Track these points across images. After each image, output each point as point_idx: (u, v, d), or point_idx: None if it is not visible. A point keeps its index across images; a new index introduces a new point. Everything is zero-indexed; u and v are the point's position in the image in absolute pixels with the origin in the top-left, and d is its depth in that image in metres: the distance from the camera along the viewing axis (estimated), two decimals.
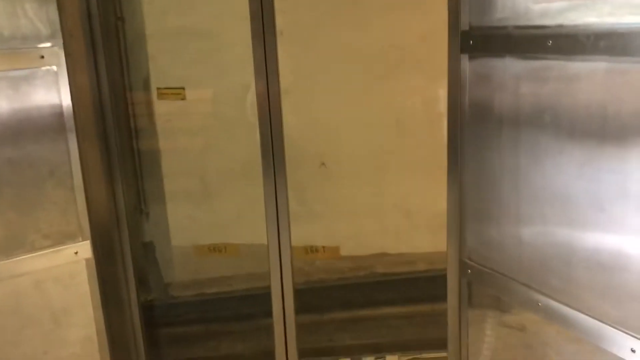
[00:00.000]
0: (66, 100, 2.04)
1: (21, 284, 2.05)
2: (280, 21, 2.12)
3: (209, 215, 3.05)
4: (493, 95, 1.77)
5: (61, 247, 2.10)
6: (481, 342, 2.09)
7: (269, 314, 2.41)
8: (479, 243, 1.94)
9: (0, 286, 2.00)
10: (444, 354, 2.33)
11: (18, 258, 2.02)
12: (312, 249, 3.11)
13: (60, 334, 2.17)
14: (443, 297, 2.18)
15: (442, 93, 2.77)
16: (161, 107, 2.91)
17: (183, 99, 2.88)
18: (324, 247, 3.11)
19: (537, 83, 1.63)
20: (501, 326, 2.00)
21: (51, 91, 2.01)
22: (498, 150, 1.80)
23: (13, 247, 2.02)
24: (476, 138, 1.88)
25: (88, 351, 2.24)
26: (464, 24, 1.80)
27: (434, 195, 2.85)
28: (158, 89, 2.87)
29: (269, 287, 2.39)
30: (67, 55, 2.03)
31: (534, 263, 1.75)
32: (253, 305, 2.93)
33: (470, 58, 1.82)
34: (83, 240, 2.15)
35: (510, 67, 1.68)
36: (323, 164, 2.98)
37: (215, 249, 3.09)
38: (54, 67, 2.00)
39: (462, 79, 1.85)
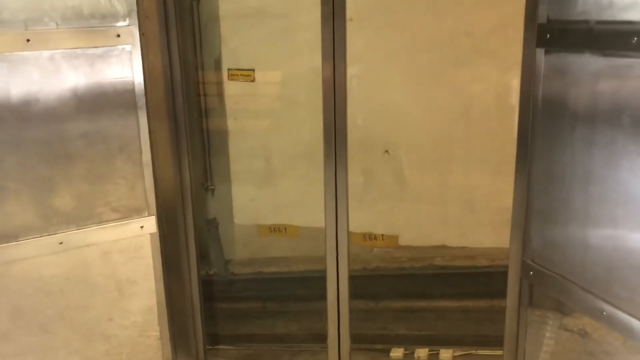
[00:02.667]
0: (138, 79, 2.10)
1: (89, 253, 2.14)
2: (351, 7, 2.09)
3: (272, 196, 3.08)
4: (568, 91, 1.69)
5: (128, 221, 2.18)
6: (539, 344, 2.03)
7: (324, 297, 2.43)
8: (543, 244, 1.88)
9: (70, 255, 2.10)
10: (499, 352, 2.28)
11: (87, 229, 2.12)
12: (370, 236, 3.09)
13: (123, 303, 2.26)
14: (502, 294, 2.13)
15: (514, 84, 2.68)
16: (231, 88, 2.94)
17: (252, 80, 2.90)
18: (382, 235, 3.08)
19: (617, 82, 1.54)
20: (561, 329, 1.94)
21: (125, 69, 2.07)
22: (570, 149, 1.72)
23: (83, 218, 2.11)
24: (547, 134, 1.81)
25: (148, 321, 2.33)
26: (542, 17, 1.73)
27: (500, 189, 2.77)
28: (229, 69, 2.91)
29: (325, 271, 2.40)
30: (142, 35, 2.09)
31: (600, 269, 1.68)
32: (309, 287, 2.95)
33: (546, 52, 1.74)
34: (149, 215, 2.22)
35: (588, 63, 1.60)
36: (387, 151, 2.95)
37: (276, 229, 3.12)
38: (129, 46, 2.06)
39: (536, 73, 1.78)
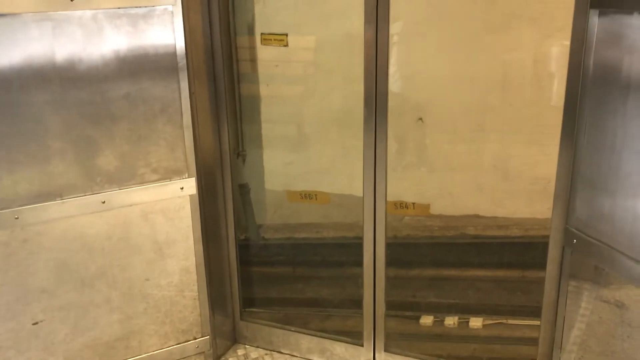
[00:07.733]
0: (180, 40, 2.09)
1: (131, 213, 2.17)
2: None
3: (303, 163, 3.08)
4: (622, 56, 1.64)
5: (168, 182, 2.20)
6: (575, 314, 2.01)
7: (355, 263, 2.44)
8: (589, 212, 1.85)
9: (112, 214, 2.14)
10: (530, 322, 2.28)
11: (129, 189, 2.14)
12: (401, 205, 3.08)
13: (161, 264, 2.30)
14: (535, 265, 2.12)
15: (556, 51, 2.61)
16: (264, 53, 2.92)
17: (286, 45, 2.87)
18: (414, 203, 3.07)
19: None
20: (598, 300, 1.92)
21: (166, 30, 2.06)
22: (622, 117, 1.68)
23: (125, 178, 2.13)
24: (597, 101, 1.76)
25: (185, 281, 2.36)
26: None
27: (535, 159, 2.73)
28: (262, 34, 2.88)
29: (356, 238, 2.40)
30: None
31: None
32: (340, 253, 2.96)
33: (601, 14, 1.68)
34: (189, 177, 2.23)
35: None
36: (420, 119, 2.91)
37: (306, 195, 3.12)
38: (170, 6, 2.05)
39: (588, 36, 1.72)
